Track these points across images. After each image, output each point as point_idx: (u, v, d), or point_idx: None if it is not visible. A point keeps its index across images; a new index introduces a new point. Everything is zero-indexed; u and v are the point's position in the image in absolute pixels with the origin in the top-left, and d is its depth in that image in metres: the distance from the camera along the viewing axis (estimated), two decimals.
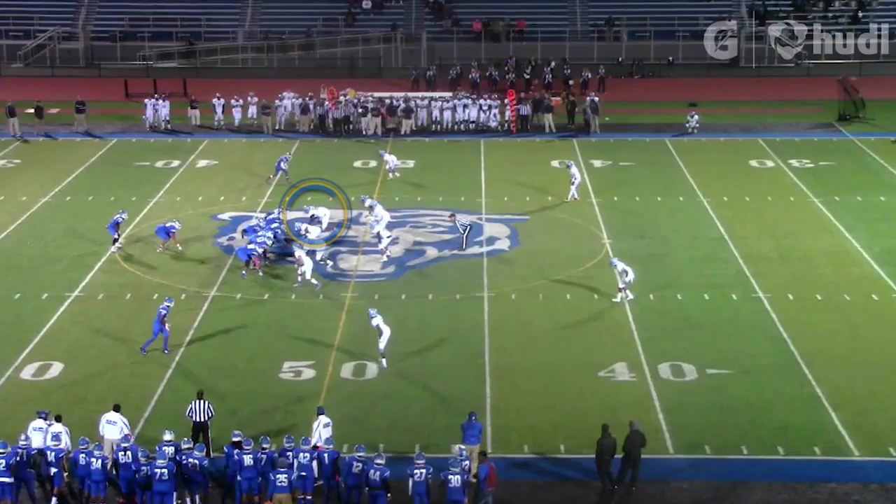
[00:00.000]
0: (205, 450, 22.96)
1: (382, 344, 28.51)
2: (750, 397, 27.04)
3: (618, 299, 32.42)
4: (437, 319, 31.64)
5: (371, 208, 38.03)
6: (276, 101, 54.49)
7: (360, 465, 22.20)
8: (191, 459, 22.33)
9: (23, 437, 23.11)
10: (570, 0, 73.78)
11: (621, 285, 32.52)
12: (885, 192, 43.75)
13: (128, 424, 23.84)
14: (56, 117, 55.07)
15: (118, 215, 36.79)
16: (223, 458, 23.08)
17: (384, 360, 28.52)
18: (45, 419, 23.63)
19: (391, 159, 45.33)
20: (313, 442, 23.26)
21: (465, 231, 36.91)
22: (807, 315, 31.85)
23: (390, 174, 45.05)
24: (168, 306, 29.51)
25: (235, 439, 22.89)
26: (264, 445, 22.84)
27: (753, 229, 39.13)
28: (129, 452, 22.42)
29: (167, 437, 22.74)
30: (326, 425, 23.80)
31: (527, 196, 42.94)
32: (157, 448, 22.63)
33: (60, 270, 35.28)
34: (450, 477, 21.72)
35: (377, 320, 28.58)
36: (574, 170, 42.69)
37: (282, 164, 43.90)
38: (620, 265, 32.58)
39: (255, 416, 25.83)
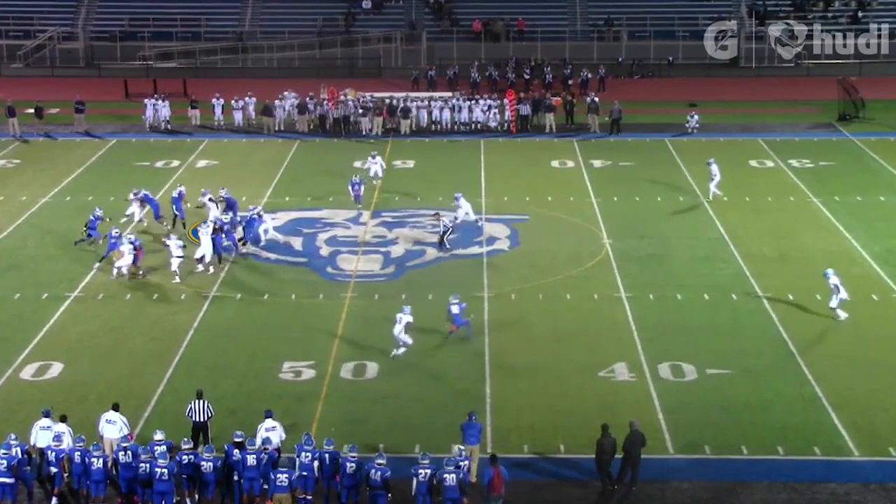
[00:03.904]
0: (214, 450, 22.88)
1: (399, 333, 28.80)
2: (750, 397, 27.04)
3: (841, 317, 31.18)
4: (437, 319, 31.62)
5: (456, 199, 39.11)
6: (277, 101, 54.49)
7: (354, 465, 22.19)
8: (203, 462, 22.34)
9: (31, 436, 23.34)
10: (570, 0, 73.79)
11: (834, 304, 31.14)
12: (885, 192, 43.76)
13: (127, 424, 23.83)
14: (56, 117, 55.08)
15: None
16: (223, 458, 23.05)
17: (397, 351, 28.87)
18: (52, 418, 23.65)
19: (378, 161, 44.24)
20: (257, 445, 23.13)
21: (445, 232, 36.80)
22: (807, 315, 31.84)
23: (374, 175, 44.07)
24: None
25: (238, 439, 22.89)
26: (265, 445, 22.88)
27: (753, 229, 39.13)
28: (129, 452, 22.43)
29: (158, 436, 22.75)
30: (270, 429, 23.56)
31: (527, 196, 42.95)
32: (149, 447, 22.56)
33: (60, 270, 35.28)
34: (445, 476, 21.73)
35: (404, 322, 28.81)
36: (715, 167, 42.42)
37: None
38: (834, 279, 31.31)
39: (255, 416, 25.79)
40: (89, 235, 36.64)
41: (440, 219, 37.23)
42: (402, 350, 28.88)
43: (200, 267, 34.74)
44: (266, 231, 37.68)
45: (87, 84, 63.22)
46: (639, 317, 31.61)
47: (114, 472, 22.72)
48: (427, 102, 55.03)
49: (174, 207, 39.05)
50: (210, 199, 38.63)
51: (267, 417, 23.87)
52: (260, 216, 37.49)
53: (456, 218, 38.12)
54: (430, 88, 61.99)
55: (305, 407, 26.42)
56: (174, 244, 34.59)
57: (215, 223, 35.91)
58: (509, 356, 29.24)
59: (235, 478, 22.56)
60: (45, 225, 39.70)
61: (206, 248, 34.76)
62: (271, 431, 23.53)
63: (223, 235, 35.82)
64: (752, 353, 29.47)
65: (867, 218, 40.36)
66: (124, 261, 34.13)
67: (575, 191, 43.85)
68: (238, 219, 37.81)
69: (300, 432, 23.76)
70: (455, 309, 29.87)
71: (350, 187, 40.80)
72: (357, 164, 47.67)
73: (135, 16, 72.51)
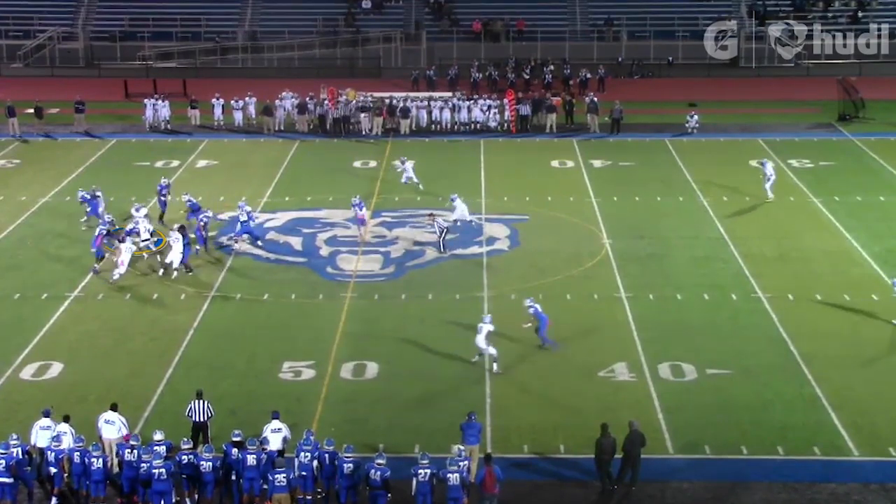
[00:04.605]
0: (213, 450, 22.87)
1: (481, 343, 28.37)
2: (750, 397, 27.04)
3: None
4: (437, 319, 31.64)
5: (452, 200, 38.71)
6: (277, 102, 54.50)
7: (352, 465, 22.20)
8: (202, 462, 22.34)
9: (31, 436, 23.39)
10: (570, 0, 73.80)
11: None
12: (885, 192, 43.76)
13: (126, 424, 23.82)
14: (56, 117, 55.09)
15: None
16: (222, 458, 23.04)
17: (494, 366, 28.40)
18: (53, 418, 23.65)
19: (408, 167, 44.11)
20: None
21: (441, 234, 36.78)
22: (807, 315, 31.84)
23: (407, 180, 43.82)
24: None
25: (236, 439, 22.90)
26: (264, 445, 22.91)
27: (753, 229, 39.13)
28: (135, 451, 22.42)
29: (158, 436, 22.76)
30: (275, 431, 23.60)
31: (527, 196, 42.94)
32: (148, 447, 22.58)
33: (60, 270, 35.27)
34: (448, 475, 21.76)
35: (485, 331, 28.31)
36: (769, 168, 42.27)
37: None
38: None
39: (255, 416, 25.80)
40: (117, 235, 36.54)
41: (434, 220, 37.18)
42: (495, 366, 28.37)
43: (162, 271, 34.47)
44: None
45: (87, 84, 63.22)
46: (639, 317, 31.61)
47: (116, 471, 22.74)
48: (427, 102, 55.03)
49: (158, 200, 39.47)
50: (146, 216, 37.30)
51: (274, 419, 23.88)
52: (249, 214, 37.49)
53: (456, 221, 38.08)
54: (430, 88, 62.00)
55: (305, 407, 26.42)
56: (142, 227, 35.24)
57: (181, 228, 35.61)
58: (509, 356, 29.20)
59: (234, 477, 22.59)
60: (45, 225, 39.68)
61: (176, 255, 34.50)
62: (276, 433, 23.54)
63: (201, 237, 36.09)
64: (752, 353, 29.46)
65: (867, 218, 40.35)
66: (124, 258, 33.93)
67: (575, 191, 43.86)
68: (205, 220, 37.07)
69: (300, 432, 23.74)
70: (534, 310, 29.36)
71: (352, 209, 38.61)
72: (357, 164, 47.72)
73: (135, 16, 72.54)
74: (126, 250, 34.05)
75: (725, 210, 41.20)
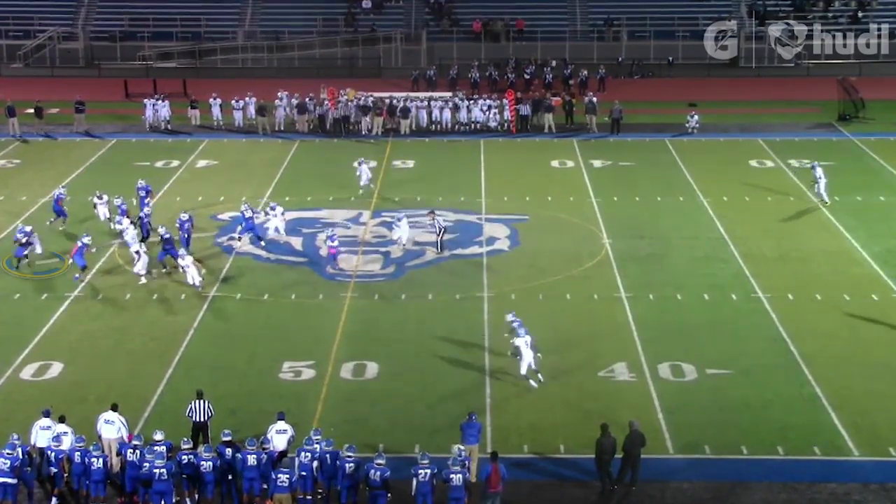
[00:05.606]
0: (213, 450, 22.88)
1: (524, 369, 27.44)
2: (750, 397, 27.05)
3: None
4: (437, 319, 31.65)
5: (398, 220, 37.50)
6: (276, 102, 54.47)
7: (353, 465, 22.21)
8: (202, 462, 22.34)
9: (31, 437, 23.38)
10: (570, 0, 73.80)
11: None
12: (885, 192, 43.76)
13: (126, 424, 23.82)
14: (56, 117, 55.09)
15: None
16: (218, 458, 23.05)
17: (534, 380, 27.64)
18: (52, 418, 23.65)
19: (364, 169, 43.38)
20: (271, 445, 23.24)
21: (440, 233, 36.73)
22: (807, 315, 31.85)
23: (360, 189, 43.10)
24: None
25: (226, 438, 22.91)
26: (265, 445, 22.91)
27: (753, 229, 39.13)
28: (137, 451, 22.43)
29: (158, 436, 22.78)
30: (280, 431, 23.60)
31: (527, 196, 42.94)
32: (149, 447, 22.59)
33: (60, 271, 35.26)
34: (451, 476, 21.76)
35: (530, 343, 27.33)
36: (819, 171, 41.98)
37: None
38: None
39: (255, 416, 25.82)
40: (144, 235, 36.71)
41: (434, 218, 37.15)
42: (540, 376, 27.71)
43: (144, 280, 34.21)
44: (277, 229, 37.85)
45: (87, 84, 63.22)
46: (639, 317, 31.61)
47: (116, 471, 22.74)
48: (427, 102, 55.03)
49: (139, 201, 39.53)
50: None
51: (279, 420, 23.89)
52: (267, 213, 37.61)
53: (401, 239, 37.14)
54: (429, 88, 62.00)
55: (305, 407, 26.43)
56: (129, 234, 35.58)
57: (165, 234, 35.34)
58: (509, 356, 29.19)
59: (230, 477, 22.60)
60: (45, 225, 39.62)
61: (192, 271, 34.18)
62: (282, 434, 23.54)
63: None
64: (752, 353, 29.47)
65: (867, 218, 40.36)
66: (192, 271, 33.57)
67: (575, 191, 43.86)
68: (179, 223, 36.68)
69: (300, 432, 23.77)
70: (516, 324, 28.32)
71: (325, 242, 36.45)
72: (356, 164, 47.64)
73: (135, 16, 72.52)
74: (191, 263, 33.76)
75: (725, 210, 41.20)
